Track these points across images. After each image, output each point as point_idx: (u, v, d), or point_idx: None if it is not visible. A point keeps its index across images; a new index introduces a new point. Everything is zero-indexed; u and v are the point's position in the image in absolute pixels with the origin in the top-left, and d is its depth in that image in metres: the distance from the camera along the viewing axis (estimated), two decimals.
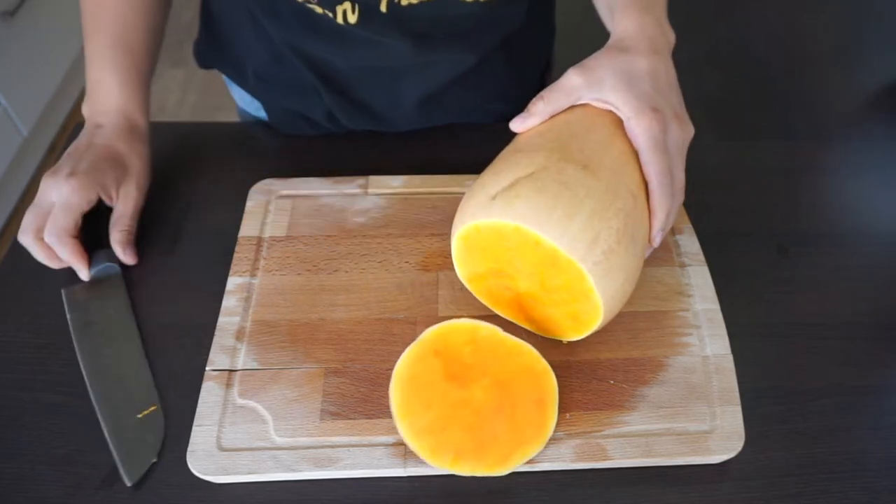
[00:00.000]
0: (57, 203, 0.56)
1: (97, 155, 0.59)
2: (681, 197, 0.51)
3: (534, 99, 0.51)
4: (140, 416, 0.50)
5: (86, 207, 0.57)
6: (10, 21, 1.53)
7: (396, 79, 0.69)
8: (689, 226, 0.61)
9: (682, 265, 0.58)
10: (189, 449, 0.47)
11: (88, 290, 0.57)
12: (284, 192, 0.63)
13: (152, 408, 0.50)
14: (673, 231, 0.61)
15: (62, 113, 1.85)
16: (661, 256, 0.59)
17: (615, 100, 0.49)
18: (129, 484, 0.47)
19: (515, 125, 0.52)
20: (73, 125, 0.72)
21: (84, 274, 0.57)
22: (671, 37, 0.53)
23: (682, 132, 0.50)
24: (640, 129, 0.48)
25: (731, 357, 0.52)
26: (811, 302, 0.58)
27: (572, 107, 0.51)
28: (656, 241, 0.50)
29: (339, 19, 0.61)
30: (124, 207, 0.59)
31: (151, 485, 0.47)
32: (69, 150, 0.60)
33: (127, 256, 0.58)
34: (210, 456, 0.47)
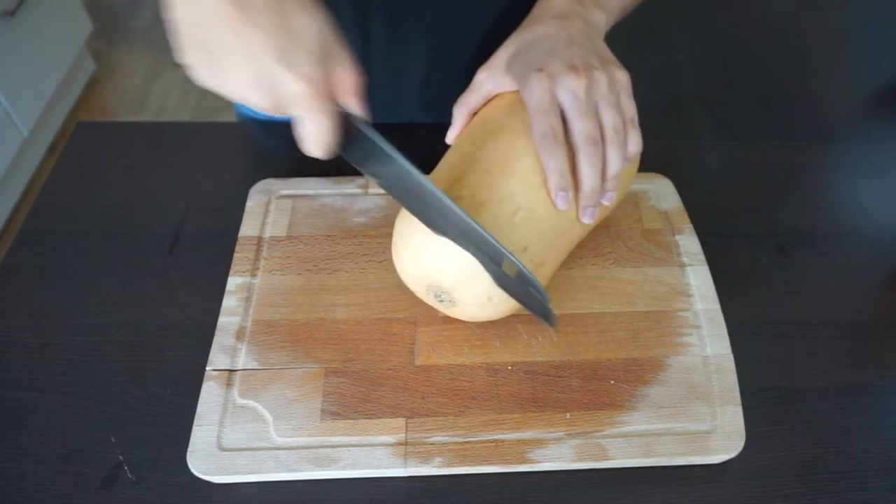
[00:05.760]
0: None
1: None
2: (615, 147, 0.46)
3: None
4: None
5: None
6: (10, 21, 1.53)
7: (405, 80, 0.69)
8: (690, 226, 0.61)
9: (682, 265, 0.58)
10: (189, 449, 0.47)
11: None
12: (284, 192, 0.63)
13: None
14: (673, 231, 0.61)
15: (62, 113, 1.85)
16: (661, 256, 0.59)
17: (509, 80, 0.48)
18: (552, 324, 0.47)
19: (448, 138, 0.53)
20: (73, 125, 0.73)
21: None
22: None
23: (585, 80, 0.45)
24: (525, 96, 0.47)
25: (731, 357, 0.52)
26: (811, 302, 0.59)
27: (494, 99, 0.51)
28: (558, 203, 0.46)
29: None
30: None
31: (151, 485, 0.47)
32: None
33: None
34: (210, 456, 0.47)
